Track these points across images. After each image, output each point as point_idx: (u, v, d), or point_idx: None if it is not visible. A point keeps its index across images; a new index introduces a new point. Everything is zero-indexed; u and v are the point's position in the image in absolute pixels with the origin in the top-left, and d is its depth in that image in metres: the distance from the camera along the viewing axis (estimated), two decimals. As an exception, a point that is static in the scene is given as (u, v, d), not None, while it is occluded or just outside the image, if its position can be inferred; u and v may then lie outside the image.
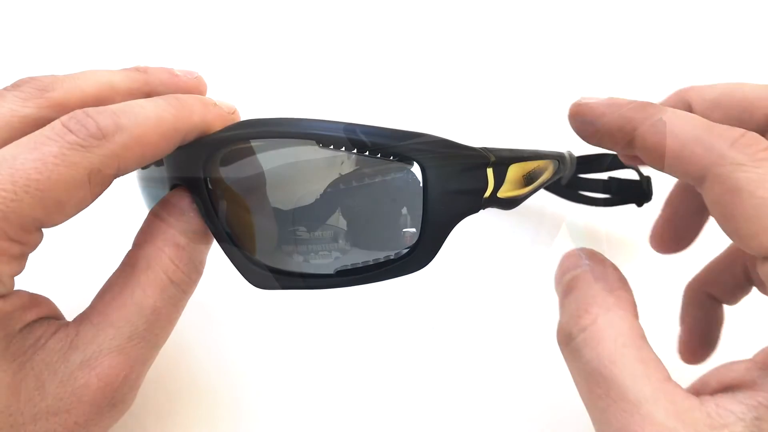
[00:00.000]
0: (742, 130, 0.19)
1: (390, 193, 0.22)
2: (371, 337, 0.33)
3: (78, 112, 0.19)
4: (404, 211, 0.22)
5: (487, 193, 0.22)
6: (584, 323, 0.20)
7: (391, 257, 0.22)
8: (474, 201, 0.22)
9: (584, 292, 0.21)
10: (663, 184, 0.40)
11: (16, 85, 0.21)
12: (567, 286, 0.22)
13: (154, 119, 0.20)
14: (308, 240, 0.23)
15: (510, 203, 0.23)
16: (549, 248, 0.39)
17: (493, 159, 0.22)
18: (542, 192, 0.32)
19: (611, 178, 0.38)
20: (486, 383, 0.32)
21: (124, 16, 0.56)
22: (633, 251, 0.39)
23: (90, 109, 0.19)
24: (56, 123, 0.19)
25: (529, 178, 0.24)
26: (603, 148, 0.23)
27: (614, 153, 0.38)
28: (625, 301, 0.21)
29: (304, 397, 0.30)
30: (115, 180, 0.20)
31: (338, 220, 0.23)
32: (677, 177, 0.21)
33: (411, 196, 0.22)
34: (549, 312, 0.34)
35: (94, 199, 0.19)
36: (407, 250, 0.22)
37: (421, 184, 0.21)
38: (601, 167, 0.37)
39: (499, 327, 0.34)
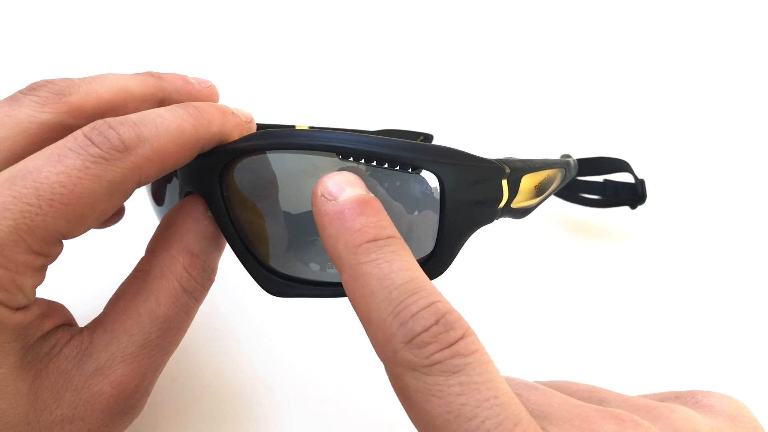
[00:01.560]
0: (439, 314, 0.16)
1: (406, 202, 0.22)
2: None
3: (100, 122, 0.18)
4: (420, 220, 0.22)
5: (502, 204, 0.22)
6: None
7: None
8: (489, 212, 0.22)
9: None
10: (657, 187, 0.41)
11: (31, 89, 0.20)
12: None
13: (174, 130, 0.19)
14: (324, 248, 0.23)
15: (522, 213, 0.24)
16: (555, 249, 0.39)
17: (508, 170, 0.22)
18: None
19: (607, 181, 0.39)
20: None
21: (131, 22, 0.55)
22: (626, 249, 0.40)
23: (111, 120, 0.19)
24: (78, 134, 0.18)
25: (540, 189, 0.24)
26: None
27: (610, 157, 0.39)
28: None
29: (314, 401, 0.30)
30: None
31: None
32: None
33: (427, 205, 0.22)
34: (564, 316, 0.35)
35: (115, 210, 0.19)
36: (423, 259, 0.22)
37: (437, 195, 0.21)
38: (598, 170, 0.38)
39: (515, 332, 0.34)
